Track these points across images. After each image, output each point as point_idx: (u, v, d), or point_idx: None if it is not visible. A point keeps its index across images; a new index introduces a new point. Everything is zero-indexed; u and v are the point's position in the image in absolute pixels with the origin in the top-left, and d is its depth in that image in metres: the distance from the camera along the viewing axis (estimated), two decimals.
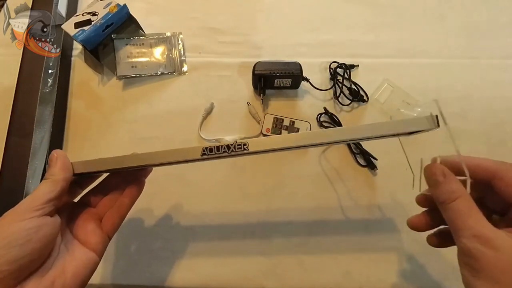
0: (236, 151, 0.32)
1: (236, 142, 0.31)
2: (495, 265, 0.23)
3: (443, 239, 0.31)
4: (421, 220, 0.32)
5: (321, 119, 0.54)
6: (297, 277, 0.46)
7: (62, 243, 0.30)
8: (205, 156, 0.32)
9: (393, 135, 0.31)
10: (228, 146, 0.31)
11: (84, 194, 0.36)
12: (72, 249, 0.30)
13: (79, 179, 0.34)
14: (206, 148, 0.31)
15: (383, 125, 0.30)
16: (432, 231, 0.32)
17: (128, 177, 0.36)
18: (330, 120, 0.54)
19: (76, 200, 0.36)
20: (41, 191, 0.28)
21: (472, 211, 0.25)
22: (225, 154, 0.32)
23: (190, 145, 0.52)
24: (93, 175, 0.36)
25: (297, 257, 0.47)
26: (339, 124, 0.54)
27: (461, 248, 0.25)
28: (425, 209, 0.32)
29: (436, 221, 0.31)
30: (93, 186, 0.36)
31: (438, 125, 0.29)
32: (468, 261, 0.25)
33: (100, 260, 0.32)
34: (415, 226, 0.32)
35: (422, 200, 0.32)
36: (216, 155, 0.32)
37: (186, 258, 0.47)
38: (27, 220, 0.26)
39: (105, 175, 0.37)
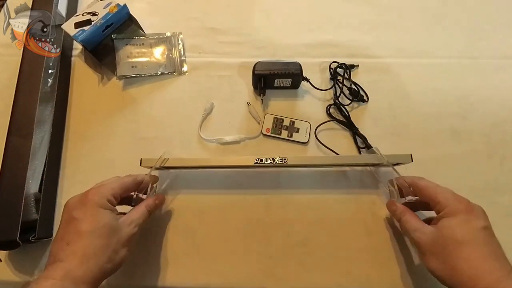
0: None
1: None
2: (426, 243, 0.37)
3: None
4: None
5: (330, 110, 0.54)
6: (297, 277, 0.46)
7: None
8: (257, 164, 0.44)
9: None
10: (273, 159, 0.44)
11: None
12: None
13: None
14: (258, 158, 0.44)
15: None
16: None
17: None
18: (338, 111, 0.54)
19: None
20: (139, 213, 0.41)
21: (412, 218, 0.40)
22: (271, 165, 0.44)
23: (190, 145, 0.53)
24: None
25: (297, 257, 0.47)
26: (348, 116, 0.53)
27: (412, 240, 0.39)
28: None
29: None
30: None
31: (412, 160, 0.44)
32: (417, 248, 0.38)
33: None
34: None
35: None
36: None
37: (187, 258, 0.47)
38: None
39: None
